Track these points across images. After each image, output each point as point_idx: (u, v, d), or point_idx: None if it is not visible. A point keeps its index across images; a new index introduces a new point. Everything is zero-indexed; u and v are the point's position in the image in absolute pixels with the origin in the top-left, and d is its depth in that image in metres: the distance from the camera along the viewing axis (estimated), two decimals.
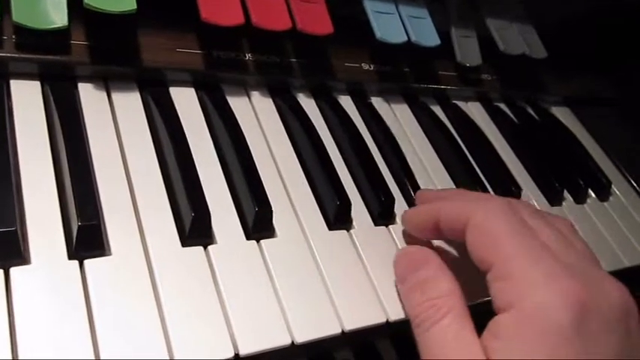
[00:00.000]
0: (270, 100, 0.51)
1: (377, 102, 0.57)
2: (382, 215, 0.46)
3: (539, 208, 0.42)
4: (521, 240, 0.35)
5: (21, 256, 0.33)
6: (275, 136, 0.48)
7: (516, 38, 0.64)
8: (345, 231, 0.44)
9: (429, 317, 0.36)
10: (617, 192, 0.66)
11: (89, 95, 0.43)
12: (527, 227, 0.36)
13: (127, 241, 0.36)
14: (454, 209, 0.39)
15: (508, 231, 0.35)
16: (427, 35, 0.56)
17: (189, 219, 0.38)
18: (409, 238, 0.45)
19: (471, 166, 0.56)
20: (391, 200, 0.47)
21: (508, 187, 0.56)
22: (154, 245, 0.36)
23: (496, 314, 0.34)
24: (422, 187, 0.51)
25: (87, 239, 0.34)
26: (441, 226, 0.40)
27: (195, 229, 0.38)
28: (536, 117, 0.70)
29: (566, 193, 0.60)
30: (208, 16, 0.43)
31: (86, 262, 0.34)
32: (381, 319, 0.40)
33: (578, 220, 0.58)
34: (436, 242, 0.45)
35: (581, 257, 0.37)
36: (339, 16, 0.51)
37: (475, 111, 0.65)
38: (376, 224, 0.46)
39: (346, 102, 0.55)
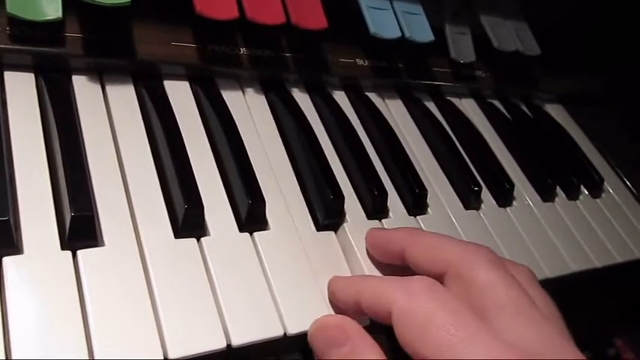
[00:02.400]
0: (264, 95, 0.51)
1: (371, 97, 0.57)
2: (375, 209, 0.46)
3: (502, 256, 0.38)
4: (454, 320, 0.31)
5: (14, 246, 0.33)
6: (269, 130, 0.48)
7: (510, 35, 0.64)
8: (338, 225, 0.44)
9: None
10: (610, 189, 0.66)
11: (83, 88, 0.43)
12: (461, 302, 0.32)
13: (120, 232, 0.36)
14: (373, 293, 0.35)
15: (436, 312, 0.31)
16: (421, 31, 0.56)
17: (182, 211, 0.38)
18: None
19: (464, 162, 0.56)
20: (384, 194, 0.47)
21: (501, 183, 0.56)
22: (147, 236, 0.36)
23: None
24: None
25: (80, 230, 0.34)
26: (364, 312, 0.36)
27: (188, 220, 0.38)
28: (529, 114, 0.70)
29: (558, 190, 0.61)
30: (203, 9, 0.43)
31: (79, 252, 0.34)
32: None
33: (570, 216, 0.58)
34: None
35: (542, 322, 0.32)
36: (333, 11, 0.51)
37: (469, 107, 0.65)
38: (369, 218, 0.46)
39: (340, 97, 0.55)
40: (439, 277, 0.35)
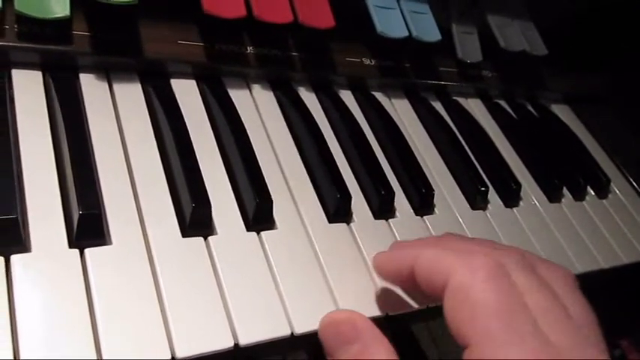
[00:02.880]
0: (271, 93, 0.51)
1: (377, 97, 0.57)
2: (382, 209, 0.46)
3: (540, 257, 0.36)
4: (506, 316, 0.30)
5: (22, 244, 0.33)
6: (276, 129, 0.48)
7: (517, 35, 0.64)
8: (344, 224, 0.44)
9: None
10: (616, 190, 0.66)
11: (90, 86, 0.43)
12: (515, 298, 0.31)
13: (127, 230, 0.36)
14: (433, 260, 0.33)
15: (492, 302, 0.30)
16: (428, 30, 0.56)
17: (189, 209, 0.38)
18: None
19: (471, 162, 0.56)
20: (391, 194, 0.47)
21: (507, 184, 0.56)
22: (154, 235, 0.36)
23: None
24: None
25: (88, 228, 0.34)
26: (416, 278, 0.34)
27: (195, 219, 0.38)
28: (535, 114, 0.70)
29: (565, 190, 0.61)
30: (210, 8, 0.43)
31: (87, 250, 0.34)
32: (381, 312, 0.40)
33: (576, 217, 0.58)
34: None
35: (574, 333, 0.31)
36: (340, 10, 0.51)
37: (475, 107, 0.65)
38: (376, 218, 0.46)
39: (347, 96, 0.55)
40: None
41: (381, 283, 0.41)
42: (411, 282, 0.35)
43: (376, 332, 0.33)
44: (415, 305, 0.41)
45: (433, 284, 0.33)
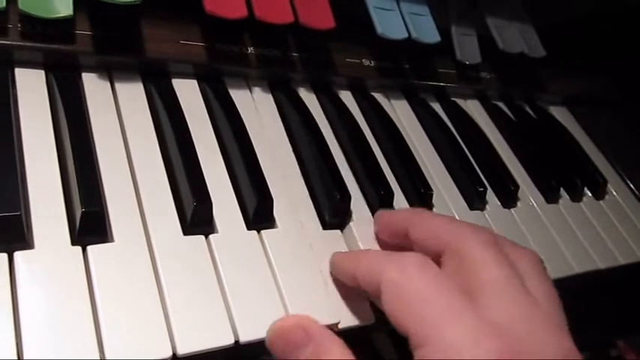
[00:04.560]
0: (271, 94, 0.51)
1: (377, 97, 0.58)
2: (381, 208, 0.47)
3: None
4: (440, 297, 0.31)
5: (25, 241, 0.33)
6: (276, 129, 0.49)
7: (515, 37, 0.64)
8: (344, 223, 0.44)
9: None
10: (613, 191, 0.66)
11: (93, 85, 0.43)
12: (450, 280, 0.32)
13: (129, 228, 0.36)
14: (367, 266, 0.35)
15: (423, 290, 0.32)
16: (427, 32, 0.57)
17: (191, 208, 0.38)
18: None
19: (469, 163, 0.56)
20: (391, 194, 0.47)
21: (505, 184, 0.56)
22: (156, 233, 0.37)
23: None
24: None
25: (90, 225, 0.35)
26: (359, 283, 0.36)
27: (197, 218, 0.38)
28: (533, 116, 0.70)
29: (562, 192, 0.61)
30: (212, 8, 0.44)
31: (89, 248, 0.34)
32: (373, 311, 0.40)
33: (573, 218, 0.59)
34: None
35: (525, 306, 0.32)
36: (340, 12, 0.51)
37: (473, 108, 0.65)
38: None
39: (346, 97, 0.56)
40: (438, 256, 0.36)
41: None
42: (357, 285, 0.37)
43: (327, 332, 0.33)
44: None
45: (372, 288, 0.35)
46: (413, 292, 0.32)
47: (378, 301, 0.34)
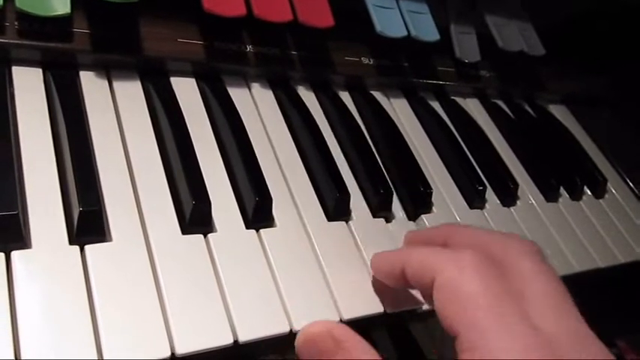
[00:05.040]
0: (270, 92, 0.51)
1: (376, 96, 0.58)
2: (380, 207, 0.47)
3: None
4: (493, 306, 0.30)
5: (22, 240, 0.33)
6: (275, 128, 0.48)
7: (515, 35, 0.64)
8: (343, 222, 0.44)
9: None
10: (613, 189, 0.66)
11: (90, 83, 0.43)
12: (502, 288, 0.31)
13: (127, 227, 0.36)
14: (422, 260, 0.34)
15: (479, 294, 0.31)
16: (427, 30, 0.57)
17: (189, 207, 0.38)
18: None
19: (469, 161, 0.56)
20: (390, 193, 0.47)
21: (505, 183, 0.56)
22: (154, 232, 0.37)
23: None
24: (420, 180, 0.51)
25: (88, 225, 0.35)
26: (408, 278, 0.35)
27: (195, 217, 0.38)
28: (533, 114, 0.70)
29: (562, 190, 0.61)
30: (210, 6, 0.44)
31: (87, 247, 0.34)
32: (379, 309, 0.40)
33: (573, 217, 0.58)
34: None
35: (571, 319, 0.32)
36: (339, 10, 0.51)
37: (473, 107, 0.65)
38: (374, 216, 0.46)
39: (345, 95, 0.56)
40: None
41: (379, 282, 0.41)
42: (404, 281, 0.36)
43: (357, 338, 0.33)
44: (413, 304, 0.41)
45: (423, 283, 0.34)
46: (468, 296, 0.31)
47: (428, 297, 0.33)
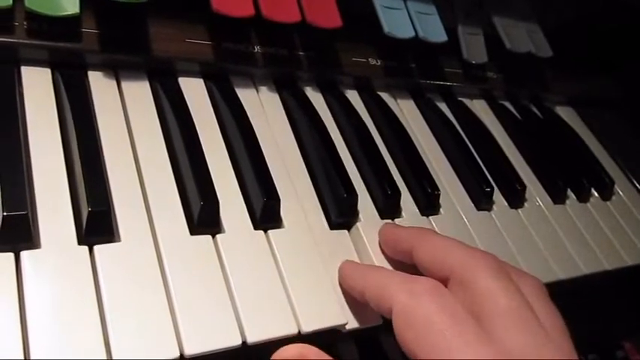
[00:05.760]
0: (278, 93, 0.51)
1: (383, 97, 0.57)
2: (388, 208, 0.47)
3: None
4: (452, 325, 0.31)
5: (31, 240, 0.33)
6: (282, 128, 0.48)
7: (522, 37, 0.64)
8: (351, 223, 0.44)
9: None
10: (620, 191, 0.66)
11: (99, 83, 0.43)
12: (455, 310, 0.32)
13: (136, 228, 0.36)
14: (377, 287, 0.36)
15: (433, 318, 0.32)
16: (434, 31, 0.57)
17: (198, 208, 0.38)
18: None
19: (476, 163, 0.56)
20: (397, 194, 0.47)
21: (512, 185, 0.56)
22: (162, 233, 0.37)
23: None
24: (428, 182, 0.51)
25: (96, 225, 0.35)
26: (368, 302, 0.37)
27: (203, 217, 0.38)
28: (540, 116, 0.70)
29: (569, 192, 0.61)
30: (219, 6, 0.44)
31: (95, 247, 0.34)
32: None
33: (581, 218, 0.58)
34: None
35: (534, 333, 0.32)
36: (347, 11, 0.51)
37: (480, 108, 0.65)
38: (382, 217, 0.46)
39: (353, 96, 0.55)
40: (443, 281, 0.35)
41: None
42: (365, 302, 0.37)
43: (320, 354, 0.33)
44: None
45: (382, 310, 0.35)
46: (425, 321, 0.32)
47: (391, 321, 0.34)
